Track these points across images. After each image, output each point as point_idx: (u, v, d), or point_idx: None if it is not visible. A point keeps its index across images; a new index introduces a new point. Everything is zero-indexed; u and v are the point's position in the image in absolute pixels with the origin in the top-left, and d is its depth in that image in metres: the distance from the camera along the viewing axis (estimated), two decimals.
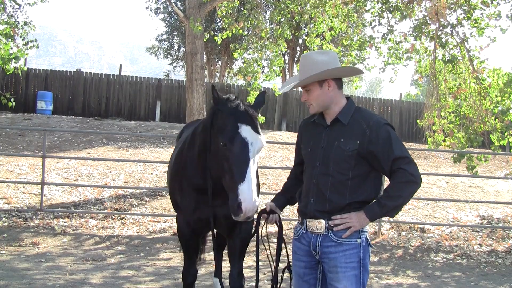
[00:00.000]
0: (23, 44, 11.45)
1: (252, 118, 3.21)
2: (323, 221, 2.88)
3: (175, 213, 4.23)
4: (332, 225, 2.86)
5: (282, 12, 10.62)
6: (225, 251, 5.55)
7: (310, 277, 3.00)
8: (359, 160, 2.85)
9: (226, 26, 10.67)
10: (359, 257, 2.85)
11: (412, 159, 2.84)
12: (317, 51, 3.20)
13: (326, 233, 2.88)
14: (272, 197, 3.47)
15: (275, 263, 3.22)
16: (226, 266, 6.34)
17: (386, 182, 2.99)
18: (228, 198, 3.11)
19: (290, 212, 9.39)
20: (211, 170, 3.38)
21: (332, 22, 10.52)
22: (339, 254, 2.85)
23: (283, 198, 3.25)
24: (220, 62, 30.10)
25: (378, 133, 2.84)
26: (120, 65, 22.30)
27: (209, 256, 7.32)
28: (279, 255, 3.23)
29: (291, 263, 3.17)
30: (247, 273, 4.09)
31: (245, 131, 3.14)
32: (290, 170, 3.38)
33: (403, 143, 2.96)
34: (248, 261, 6.58)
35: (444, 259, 7.99)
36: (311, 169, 2.97)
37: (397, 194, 2.80)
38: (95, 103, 19.53)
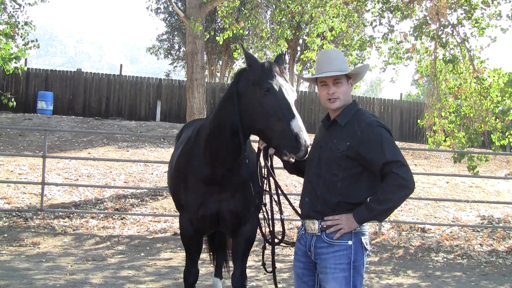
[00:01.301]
0: (24, 44, 11.46)
1: (282, 71, 3.37)
2: (316, 222, 2.89)
3: (176, 213, 4.23)
4: (325, 226, 2.86)
5: (282, 12, 10.63)
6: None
7: (308, 279, 3.00)
8: (349, 162, 2.83)
9: (227, 26, 10.68)
10: (349, 258, 2.83)
11: (404, 163, 2.77)
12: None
13: (320, 234, 2.89)
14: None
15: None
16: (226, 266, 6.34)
17: None
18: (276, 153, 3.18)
19: (291, 212, 9.38)
20: (249, 128, 3.40)
21: (332, 22, 10.52)
22: (330, 255, 2.85)
23: None
24: (220, 62, 30.11)
25: (369, 135, 2.80)
26: (121, 65, 22.32)
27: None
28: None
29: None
30: (248, 273, 4.08)
31: (281, 79, 3.30)
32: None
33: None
34: (249, 261, 6.58)
35: (445, 259, 7.99)
36: (308, 169, 3.00)
37: (387, 198, 2.74)
38: (96, 103, 19.54)
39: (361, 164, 2.83)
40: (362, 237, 2.89)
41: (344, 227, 2.81)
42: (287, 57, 26.50)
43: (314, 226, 2.90)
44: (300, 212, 3.07)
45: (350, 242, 2.84)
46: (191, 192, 3.84)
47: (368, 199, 2.81)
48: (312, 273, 2.99)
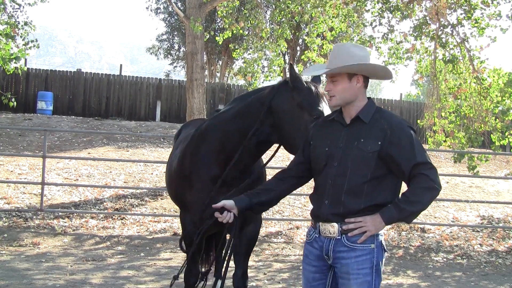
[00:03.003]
0: (23, 44, 11.45)
1: (324, 96, 3.46)
2: (336, 225, 2.76)
3: (176, 213, 4.23)
4: (346, 229, 2.74)
5: (282, 12, 10.62)
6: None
7: (319, 283, 2.89)
8: (378, 162, 2.73)
9: (227, 26, 10.67)
10: (372, 263, 2.73)
11: (433, 165, 2.73)
12: (353, 44, 3.14)
13: (339, 237, 2.76)
14: None
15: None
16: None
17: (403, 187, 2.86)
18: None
19: (291, 212, 9.39)
20: (289, 148, 3.48)
21: (332, 22, 10.52)
22: (352, 260, 2.73)
23: (247, 200, 2.99)
24: (220, 62, 30.11)
25: (400, 136, 2.72)
26: (121, 65, 22.32)
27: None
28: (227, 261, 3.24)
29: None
30: (248, 273, 4.08)
31: (325, 105, 3.42)
32: None
33: None
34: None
35: (445, 259, 7.99)
36: (327, 170, 2.83)
37: (417, 199, 2.67)
38: (96, 103, 19.53)
39: (388, 165, 2.74)
40: (381, 239, 2.80)
41: (370, 229, 2.70)
42: (287, 58, 26.49)
43: (333, 229, 2.77)
44: (315, 216, 2.90)
45: (372, 246, 2.74)
46: (197, 192, 3.81)
47: (396, 199, 2.73)
48: (324, 277, 2.88)
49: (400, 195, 2.77)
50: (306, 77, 3.64)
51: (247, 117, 3.59)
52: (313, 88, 3.42)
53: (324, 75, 3.01)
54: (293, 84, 3.44)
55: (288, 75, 3.49)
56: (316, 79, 3.63)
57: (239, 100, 3.81)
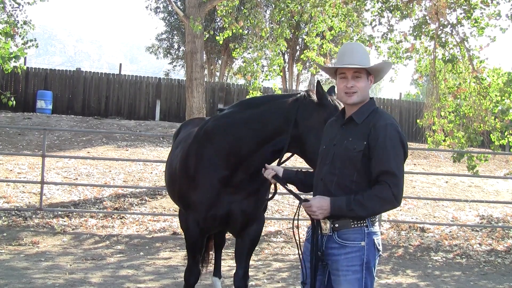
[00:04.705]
0: (23, 44, 11.45)
1: None
2: (328, 222, 2.81)
3: (175, 213, 4.23)
4: (337, 226, 2.79)
5: (282, 11, 10.61)
6: (225, 250, 5.55)
7: (316, 279, 2.91)
8: (365, 163, 2.74)
9: (226, 25, 10.67)
10: (362, 260, 2.75)
11: (401, 181, 2.71)
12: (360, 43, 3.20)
13: (331, 234, 2.81)
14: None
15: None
16: (225, 265, 6.34)
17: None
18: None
19: (290, 212, 9.39)
20: (309, 162, 3.49)
21: (332, 21, 10.51)
22: (341, 256, 2.77)
23: (292, 173, 3.21)
24: (220, 61, 30.11)
25: (379, 136, 2.72)
26: (120, 64, 22.30)
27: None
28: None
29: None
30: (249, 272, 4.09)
31: None
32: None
33: None
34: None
35: (444, 259, 8.00)
36: (321, 167, 2.90)
37: (371, 206, 2.69)
38: (95, 102, 19.54)
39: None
40: (375, 238, 2.81)
41: (316, 214, 2.76)
42: (286, 57, 26.49)
43: (325, 225, 2.83)
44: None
45: (363, 243, 2.76)
46: (202, 192, 3.80)
47: (353, 196, 2.72)
48: (321, 273, 2.91)
49: (359, 194, 2.73)
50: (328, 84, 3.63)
51: (264, 125, 3.58)
52: (338, 105, 3.39)
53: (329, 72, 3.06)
54: (319, 100, 3.44)
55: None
56: (330, 91, 3.62)
57: (248, 104, 3.78)
